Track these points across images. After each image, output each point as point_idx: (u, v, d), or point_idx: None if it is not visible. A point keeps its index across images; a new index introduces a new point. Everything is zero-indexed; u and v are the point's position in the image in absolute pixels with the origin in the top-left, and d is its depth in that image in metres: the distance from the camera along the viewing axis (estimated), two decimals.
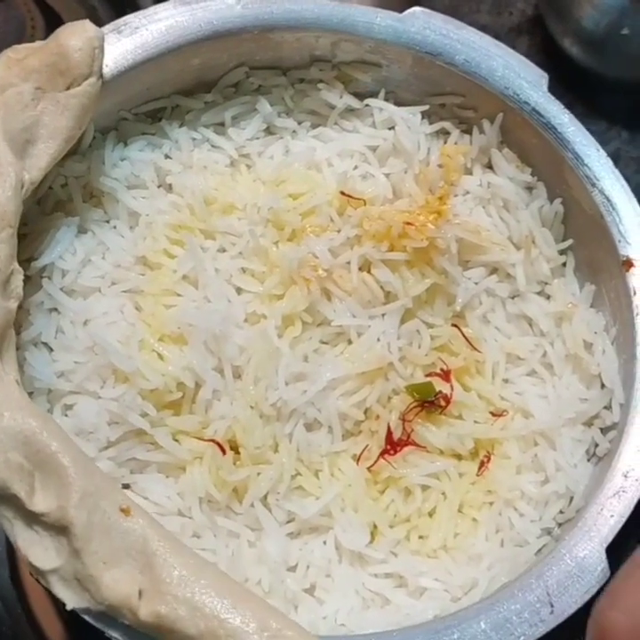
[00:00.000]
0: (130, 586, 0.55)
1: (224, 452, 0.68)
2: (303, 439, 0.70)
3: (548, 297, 0.78)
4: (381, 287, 0.74)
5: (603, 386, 0.73)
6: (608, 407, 0.72)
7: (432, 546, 0.69)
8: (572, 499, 0.70)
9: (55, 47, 0.68)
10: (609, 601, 0.54)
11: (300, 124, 0.80)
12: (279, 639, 0.55)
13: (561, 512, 0.70)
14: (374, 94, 0.80)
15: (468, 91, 0.78)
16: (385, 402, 0.72)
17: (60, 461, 0.57)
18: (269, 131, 0.80)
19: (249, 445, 0.68)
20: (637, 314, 0.72)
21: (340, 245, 0.74)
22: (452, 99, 0.79)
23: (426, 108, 0.79)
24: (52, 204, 0.73)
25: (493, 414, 0.74)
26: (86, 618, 0.58)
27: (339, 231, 0.75)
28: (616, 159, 0.75)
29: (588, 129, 0.76)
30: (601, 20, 1.02)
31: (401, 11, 0.78)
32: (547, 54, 1.13)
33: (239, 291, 0.73)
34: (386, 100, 0.80)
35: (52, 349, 0.69)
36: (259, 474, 0.68)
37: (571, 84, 1.07)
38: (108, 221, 0.74)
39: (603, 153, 0.75)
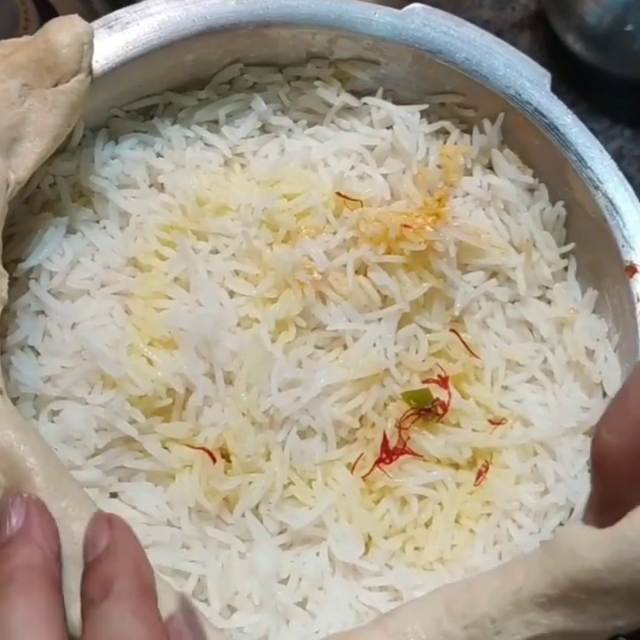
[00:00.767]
0: None
1: (215, 460, 0.66)
2: (296, 447, 0.68)
3: (549, 302, 0.76)
4: (378, 291, 0.72)
5: (605, 395, 0.71)
6: None
7: (428, 558, 0.68)
8: (572, 511, 0.69)
9: (42, 42, 0.66)
10: (604, 425, 0.54)
11: (295, 122, 0.78)
12: None
13: (561, 524, 0.69)
14: (372, 92, 0.78)
15: (468, 89, 0.76)
16: (381, 409, 0.71)
17: (32, 480, 0.55)
18: (264, 129, 0.78)
19: (240, 454, 0.66)
20: None
21: (335, 248, 0.72)
22: (452, 98, 0.77)
23: (425, 106, 0.77)
24: (40, 203, 0.71)
25: (492, 422, 0.72)
26: None
27: (335, 233, 0.73)
28: (619, 157, 0.74)
29: (590, 127, 0.75)
30: (605, 17, 1.01)
31: (400, 7, 0.76)
32: (549, 50, 1.11)
33: (232, 294, 0.71)
34: (384, 98, 0.78)
35: (38, 353, 0.67)
36: (250, 483, 0.66)
37: (573, 80, 1.06)
38: (97, 222, 0.72)
39: (606, 155, 0.73)
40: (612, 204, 0.72)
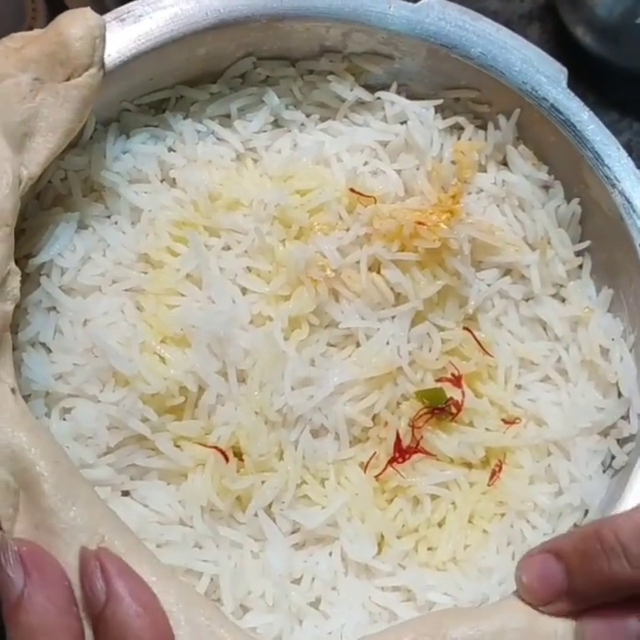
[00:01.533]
0: None
1: (227, 459, 0.66)
2: (309, 446, 0.68)
3: (564, 300, 0.75)
4: (391, 288, 0.71)
5: (620, 395, 0.71)
6: (625, 417, 0.70)
7: (441, 558, 0.68)
8: (586, 512, 0.68)
9: (54, 36, 0.66)
10: None
11: (308, 116, 0.77)
12: None
13: (575, 525, 0.68)
14: (386, 87, 0.77)
15: (483, 85, 0.75)
16: (394, 408, 0.71)
17: (41, 487, 0.54)
18: (277, 123, 0.77)
19: (253, 452, 0.66)
20: None
21: (349, 244, 0.72)
22: (467, 93, 0.76)
23: (439, 102, 0.76)
24: (51, 198, 0.71)
25: (505, 422, 0.72)
26: None
27: (348, 230, 0.72)
28: (628, 150, 0.73)
29: (599, 119, 0.74)
30: (615, 9, 1.00)
31: (415, 1, 0.75)
32: (558, 42, 1.10)
33: (244, 291, 0.71)
34: (398, 93, 0.77)
35: (50, 350, 0.67)
36: (263, 482, 0.66)
37: (582, 73, 1.04)
38: (108, 217, 0.72)
39: (624, 153, 0.72)
40: (629, 203, 0.71)
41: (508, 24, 1.11)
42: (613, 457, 0.70)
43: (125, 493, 0.66)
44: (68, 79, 0.65)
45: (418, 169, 0.75)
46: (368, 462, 0.69)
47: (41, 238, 0.68)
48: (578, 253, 0.76)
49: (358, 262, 0.71)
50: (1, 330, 0.59)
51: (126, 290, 0.69)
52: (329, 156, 0.75)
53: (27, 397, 0.64)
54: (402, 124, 0.76)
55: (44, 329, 0.67)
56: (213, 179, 0.73)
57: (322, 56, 0.77)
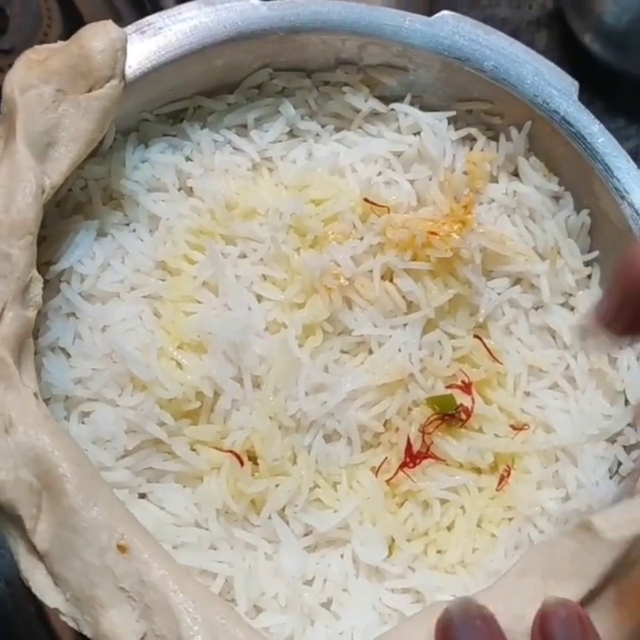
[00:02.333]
0: (127, 634, 0.53)
1: (242, 463, 0.67)
2: (322, 451, 0.69)
3: (573, 309, 0.76)
4: (404, 297, 0.73)
5: (627, 402, 0.72)
6: (632, 425, 0.71)
7: (450, 561, 0.69)
8: None
9: (77, 48, 0.67)
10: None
11: (323, 127, 0.79)
12: None
13: None
14: (400, 99, 0.78)
15: (496, 97, 0.76)
16: (405, 414, 0.72)
17: (64, 487, 0.56)
18: (292, 133, 0.78)
19: (267, 457, 0.67)
20: None
21: (362, 253, 0.73)
22: (480, 105, 0.77)
23: (452, 113, 0.78)
24: (72, 206, 0.72)
25: (514, 428, 0.73)
26: None
27: (361, 239, 0.73)
28: (634, 157, 0.74)
29: (606, 125, 0.75)
30: (622, 16, 1.01)
31: (427, 12, 0.76)
32: (566, 49, 1.11)
33: (260, 298, 0.72)
34: (412, 104, 0.78)
35: (69, 355, 0.68)
36: (277, 486, 0.67)
37: (589, 79, 1.05)
38: (127, 225, 0.73)
39: (633, 165, 0.73)
40: (638, 214, 0.72)
41: (516, 31, 1.13)
42: (620, 463, 0.71)
43: (142, 496, 0.67)
44: (89, 90, 0.67)
45: (431, 179, 0.76)
46: (379, 467, 0.70)
47: (61, 245, 0.70)
48: (587, 263, 0.77)
49: (371, 271, 0.72)
50: (24, 336, 0.61)
51: (144, 296, 0.71)
52: (343, 167, 0.76)
53: (47, 401, 0.66)
54: (415, 134, 0.78)
55: (64, 334, 0.68)
56: (230, 188, 0.74)
57: (337, 68, 0.78)
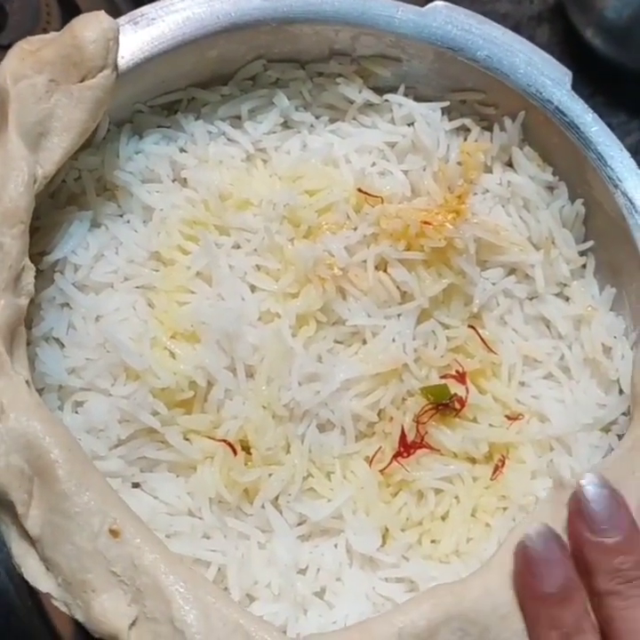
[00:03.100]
0: (118, 618, 0.54)
1: (235, 452, 0.67)
2: (315, 440, 0.69)
3: (567, 299, 0.76)
4: (397, 287, 0.73)
5: (621, 392, 0.72)
6: (626, 414, 0.71)
7: (444, 550, 0.69)
8: None
9: (69, 39, 0.67)
10: None
11: (317, 118, 0.79)
12: None
13: None
14: (394, 89, 0.78)
15: (489, 87, 0.76)
16: (399, 403, 0.72)
17: (55, 472, 0.56)
18: (286, 125, 0.78)
19: (261, 446, 0.67)
20: None
21: (356, 244, 0.73)
22: (473, 95, 0.77)
23: (446, 104, 0.78)
24: (65, 197, 0.72)
25: (509, 418, 0.73)
26: None
27: (355, 229, 0.74)
28: (636, 151, 0.74)
29: (607, 120, 0.75)
30: (623, 11, 1.02)
31: (423, 5, 0.76)
32: (568, 44, 1.12)
33: (253, 288, 0.72)
34: (405, 95, 0.78)
35: (63, 345, 0.69)
36: (270, 475, 0.67)
37: (591, 74, 1.06)
38: (121, 215, 0.73)
39: (626, 154, 0.73)
40: (631, 203, 0.72)
41: (517, 26, 1.13)
42: None
43: (136, 485, 0.67)
44: (82, 80, 0.67)
45: (424, 170, 0.77)
46: (373, 457, 0.70)
47: (55, 236, 0.70)
48: (581, 253, 0.77)
49: (365, 261, 0.72)
50: (16, 324, 0.61)
51: (138, 287, 0.71)
52: (337, 157, 0.77)
53: (40, 391, 0.66)
54: (409, 125, 0.78)
55: (58, 324, 0.69)
56: (224, 179, 0.74)
57: (331, 59, 0.78)
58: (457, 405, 0.72)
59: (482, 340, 0.74)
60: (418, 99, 0.78)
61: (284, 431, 0.69)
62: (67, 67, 0.67)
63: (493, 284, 0.75)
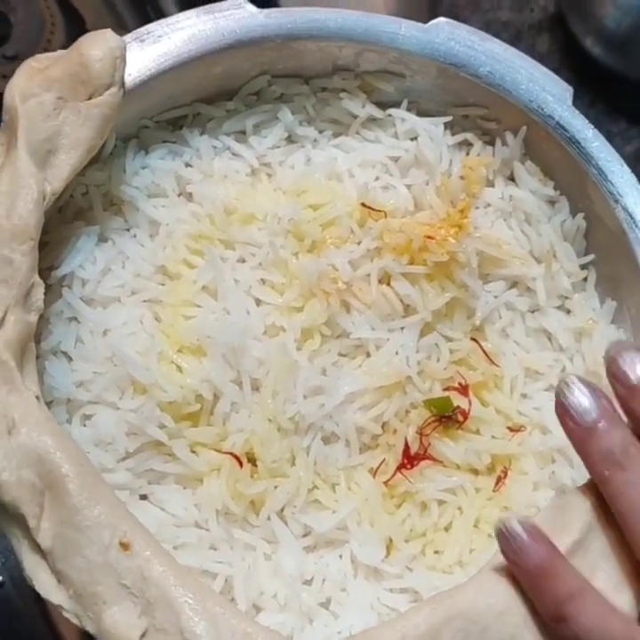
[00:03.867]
0: (129, 630, 0.55)
1: (241, 464, 0.68)
2: (320, 452, 0.70)
3: (569, 312, 0.77)
4: (401, 300, 0.73)
5: None
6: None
7: (447, 561, 0.70)
8: None
9: (77, 57, 0.68)
10: None
11: (321, 132, 0.80)
12: None
13: None
14: (397, 104, 0.79)
15: (491, 103, 0.77)
16: (402, 416, 0.72)
17: (66, 486, 0.57)
18: (290, 139, 0.79)
19: (266, 458, 0.68)
20: None
21: (360, 258, 0.74)
22: (476, 110, 0.78)
23: (449, 119, 0.79)
24: (73, 212, 0.73)
25: (511, 429, 0.74)
26: None
27: (359, 243, 0.74)
28: (636, 159, 0.75)
29: (607, 129, 0.76)
30: (623, 20, 1.02)
31: (425, 20, 0.77)
32: (568, 52, 1.12)
33: (258, 302, 0.73)
34: (408, 110, 0.79)
35: (71, 359, 0.69)
36: (276, 487, 0.68)
37: (591, 82, 1.07)
38: (128, 230, 0.74)
39: (627, 169, 0.74)
40: (631, 218, 0.73)
41: (518, 34, 1.14)
42: None
43: (143, 497, 0.68)
44: (89, 98, 0.68)
45: (427, 184, 0.77)
46: (377, 468, 0.71)
47: (63, 251, 0.71)
48: (582, 267, 0.77)
49: (369, 275, 0.73)
50: (26, 339, 0.62)
51: (144, 301, 0.72)
52: (341, 172, 0.77)
53: (49, 404, 0.67)
54: (412, 140, 0.79)
55: (66, 338, 0.69)
56: (229, 193, 0.75)
57: (334, 74, 0.79)
58: (460, 417, 0.72)
59: (484, 352, 0.74)
60: (421, 113, 0.79)
61: (290, 444, 0.69)
62: (74, 84, 0.67)
63: (495, 297, 0.76)
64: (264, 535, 0.68)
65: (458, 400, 0.73)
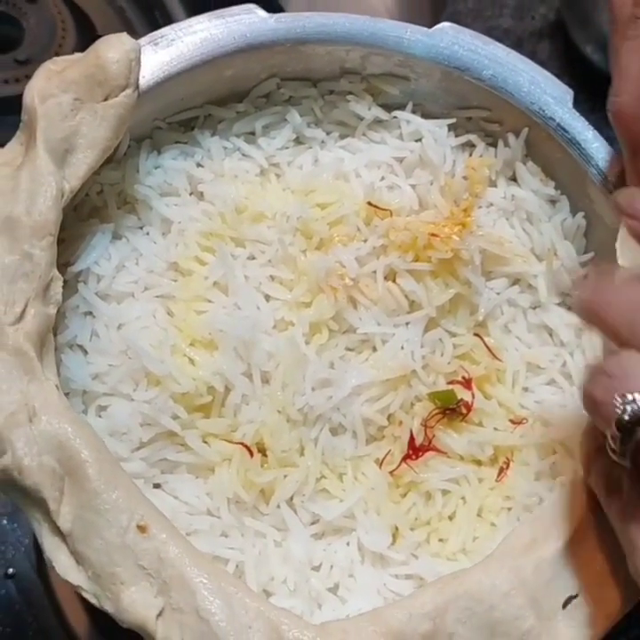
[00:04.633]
0: (146, 609, 0.56)
1: (252, 454, 0.70)
2: (328, 443, 0.72)
3: (569, 308, 0.79)
4: (406, 296, 0.75)
5: None
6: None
7: (451, 549, 0.71)
8: None
9: (93, 59, 0.70)
10: (613, 93, 0.67)
11: (328, 134, 0.82)
12: None
13: None
14: (402, 107, 0.81)
15: (494, 105, 0.79)
16: (408, 408, 0.74)
17: (86, 472, 0.59)
18: (299, 140, 0.81)
19: (276, 449, 0.70)
20: None
21: (366, 255, 0.76)
22: (479, 112, 0.81)
23: (452, 120, 0.81)
24: (88, 210, 0.75)
25: (513, 422, 0.75)
26: None
27: (365, 241, 0.76)
28: None
29: (607, 134, 0.78)
30: None
31: (431, 22, 0.79)
32: (568, 59, 1.14)
33: (268, 298, 0.75)
34: (413, 112, 0.81)
35: (86, 352, 0.71)
36: (285, 476, 0.70)
37: (592, 89, 1.08)
38: (141, 228, 0.76)
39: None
40: None
41: (519, 41, 1.16)
42: None
43: (157, 486, 0.69)
44: (105, 99, 0.70)
45: (432, 184, 0.79)
46: (383, 459, 0.73)
47: (79, 247, 0.73)
48: (582, 264, 0.79)
49: (375, 271, 0.75)
50: (45, 331, 0.64)
51: (157, 296, 0.74)
52: (348, 172, 0.79)
53: (65, 396, 0.67)
54: (417, 141, 0.81)
55: (82, 332, 0.71)
56: (239, 192, 0.77)
57: (342, 77, 0.81)
58: (463, 410, 0.74)
59: (487, 347, 0.76)
60: (425, 116, 0.81)
61: (299, 434, 0.71)
62: (91, 86, 0.69)
63: (498, 293, 0.78)
64: (274, 523, 0.70)
65: (461, 393, 0.74)
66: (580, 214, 0.79)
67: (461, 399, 0.74)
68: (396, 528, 0.71)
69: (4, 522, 0.94)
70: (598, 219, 0.78)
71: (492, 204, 0.80)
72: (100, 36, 1.17)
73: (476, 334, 0.77)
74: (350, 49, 0.78)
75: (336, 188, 0.79)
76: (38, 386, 0.61)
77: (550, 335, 0.79)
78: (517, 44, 1.15)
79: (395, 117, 0.82)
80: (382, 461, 0.73)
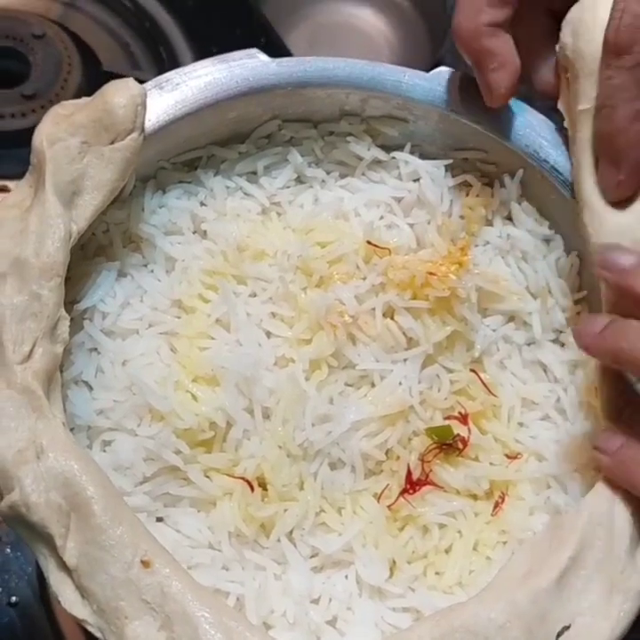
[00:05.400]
0: None
1: (253, 489, 0.71)
2: (327, 478, 0.73)
3: (563, 345, 0.80)
4: (404, 333, 0.77)
5: None
6: None
7: (448, 582, 0.72)
8: None
9: (101, 104, 0.72)
10: None
11: (328, 174, 0.84)
12: None
13: None
14: (401, 147, 0.83)
15: (490, 147, 0.81)
16: (405, 443, 0.75)
17: (91, 508, 0.60)
18: (300, 180, 0.83)
19: (276, 483, 0.71)
20: None
21: (365, 292, 0.77)
22: (475, 154, 0.82)
23: (450, 161, 0.82)
24: (94, 248, 0.77)
25: (508, 457, 0.76)
26: None
27: (364, 279, 0.78)
28: None
29: None
30: None
31: (428, 69, 0.81)
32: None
33: (269, 335, 0.76)
34: (412, 153, 0.83)
35: (91, 388, 0.73)
36: (285, 510, 0.71)
37: None
38: (146, 266, 0.78)
39: None
40: None
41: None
42: None
43: (159, 519, 0.71)
44: (112, 142, 0.72)
45: (429, 223, 0.81)
46: (381, 493, 0.74)
47: (84, 285, 0.75)
48: (576, 302, 0.80)
49: (374, 309, 0.76)
50: (53, 370, 0.66)
51: (161, 333, 0.75)
52: (347, 211, 0.81)
53: (70, 431, 0.69)
54: (415, 181, 0.82)
55: (87, 368, 0.73)
56: (241, 231, 0.79)
57: (342, 119, 0.83)
58: (460, 445, 0.75)
59: (483, 383, 0.77)
60: (423, 156, 0.83)
61: (299, 469, 0.72)
62: (98, 130, 0.71)
63: (494, 330, 0.79)
64: (274, 556, 0.71)
65: (458, 428, 0.75)
66: (574, 253, 0.80)
67: (458, 434, 0.75)
68: (394, 561, 0.72)
69: (8, 550, 0.95)
70: (591, 257, 0.79)
71: (488, 243, 0.82)
72: (105, 71, 1.20)
73: (473, 370, 0.78)
74: (350, 92, 0.80)
75: (336, 227, 0.80)
76: (45, 423, 0.63)
77: (545, 371, 0.80)
78: None
79: (393, 158, 0.83)
80: (380, 495, 0.74)
